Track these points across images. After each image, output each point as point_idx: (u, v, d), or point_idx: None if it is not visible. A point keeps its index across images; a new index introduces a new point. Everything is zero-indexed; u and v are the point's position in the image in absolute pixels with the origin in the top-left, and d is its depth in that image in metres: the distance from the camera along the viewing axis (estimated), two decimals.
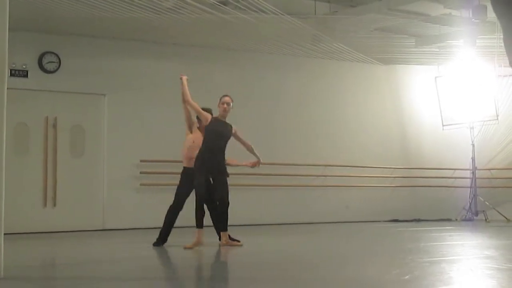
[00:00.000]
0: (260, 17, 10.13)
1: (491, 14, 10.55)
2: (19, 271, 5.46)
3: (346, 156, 13.22)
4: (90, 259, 6.79)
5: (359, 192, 13.35)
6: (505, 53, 2.60)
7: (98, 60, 11.36)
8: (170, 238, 7.94)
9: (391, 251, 7.42)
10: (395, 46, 12.72)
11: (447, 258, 6.47)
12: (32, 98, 10.85)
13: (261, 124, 12.45)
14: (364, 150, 13.52)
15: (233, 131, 7.83)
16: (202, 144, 7.72)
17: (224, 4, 9.73)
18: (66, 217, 10.85)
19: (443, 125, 13.50)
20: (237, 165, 8.41)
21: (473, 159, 13.42)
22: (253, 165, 8.24)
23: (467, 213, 13.21)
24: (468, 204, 13.21)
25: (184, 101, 7.88)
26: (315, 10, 10.86)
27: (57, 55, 11.05)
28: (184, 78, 7.89)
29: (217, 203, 7.78)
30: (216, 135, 7.69)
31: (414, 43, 12.54)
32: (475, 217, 13.14)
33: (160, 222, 8.15)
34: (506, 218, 12.88)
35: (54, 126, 11.01)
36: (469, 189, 13.32)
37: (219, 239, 7.93)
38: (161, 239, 7.89)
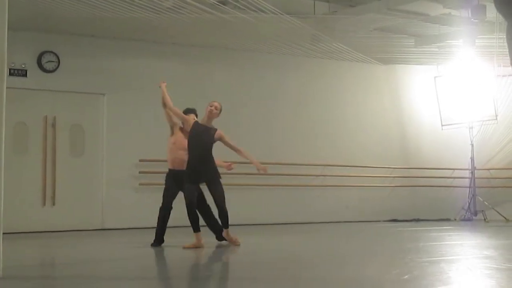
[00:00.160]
0: (259, 17, 10.13)
1: (490, 14, 10.56)
2: (18, 271, 5.46)
3: (345, 156, 13.22)
4: (89, 259, 6.79)
5: (359, 192, 13.35)
6: (504, 53, 2.59)
7: (97, 59, 11.35)
8: (168, 238, 7.93)
9: (390, 251, 7.42)
10: (394, 46, 12.72)
11: (446, 258, 6.47)
12: (31, 97, 10.85)
13: (260, 123, 12.46)
14: (364, 150, 13.52)
15: (216, 136, 7.38)
16: (187, 152, 7.57)
17: (224, 4, 9.73)
18: (65, 216, 10.85)
19: (442, 125, 13.50)
20: (220, 166, 7.92)
21: (472, 159, 13.42)
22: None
23: (466, 213, 13.21)
24: (467, 204, 13.20)
25: (165, 106, 7.86)
26: (314, 10, 10.86)
27: (56, 55, 11.05)
28: (163, 85, 7.90)
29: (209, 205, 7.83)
30: (197, 141, 7.35)
31: (413, 43, 12.55)
32: (474, 217, 13.14)
33: None
34: (505, 218, 12.88)
35: (53, 125, 11.00)
36: (468, 189, 13.31)
37: (216, 238, 7.98)
38: (158, 240, 7.90)
